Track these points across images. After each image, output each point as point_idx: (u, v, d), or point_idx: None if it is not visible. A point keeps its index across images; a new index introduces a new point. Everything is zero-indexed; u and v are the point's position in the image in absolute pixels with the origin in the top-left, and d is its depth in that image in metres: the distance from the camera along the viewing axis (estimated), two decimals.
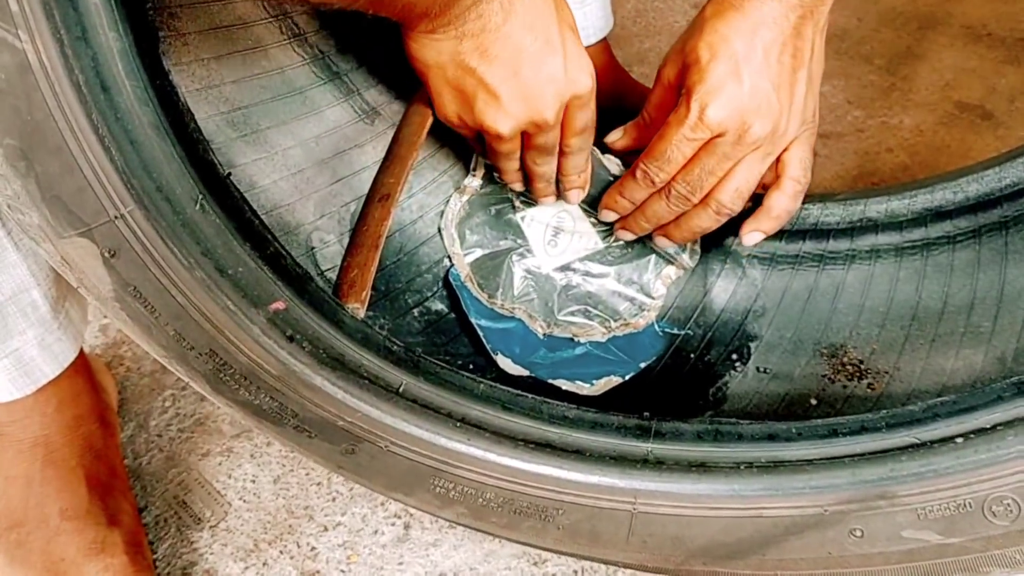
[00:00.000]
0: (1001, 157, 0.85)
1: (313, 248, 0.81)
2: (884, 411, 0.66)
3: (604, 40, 1.16)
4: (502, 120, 0.73)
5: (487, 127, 0.73)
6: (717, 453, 0.67)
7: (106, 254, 0.59)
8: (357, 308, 0.70)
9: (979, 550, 0.62)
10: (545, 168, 0.81)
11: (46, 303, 0.78)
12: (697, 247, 0.88)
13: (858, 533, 0.63)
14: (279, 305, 0.64)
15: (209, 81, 0.74)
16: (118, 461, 0.94)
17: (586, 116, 0.77)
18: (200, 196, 0.61)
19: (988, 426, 0.61)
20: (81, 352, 0.88)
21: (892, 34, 1.51)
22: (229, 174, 0.65)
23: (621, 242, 0.88)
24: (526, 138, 0.77)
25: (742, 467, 0.66)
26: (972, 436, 0.61)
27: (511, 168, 0.82)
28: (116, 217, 0.58)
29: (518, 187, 0.86)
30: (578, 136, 0.78)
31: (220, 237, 0.62)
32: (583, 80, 0.73)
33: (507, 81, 0.70)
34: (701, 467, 0.67)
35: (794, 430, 0.68)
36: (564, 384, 0.83)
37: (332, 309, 0.68)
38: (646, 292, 0.88)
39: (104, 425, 0.93)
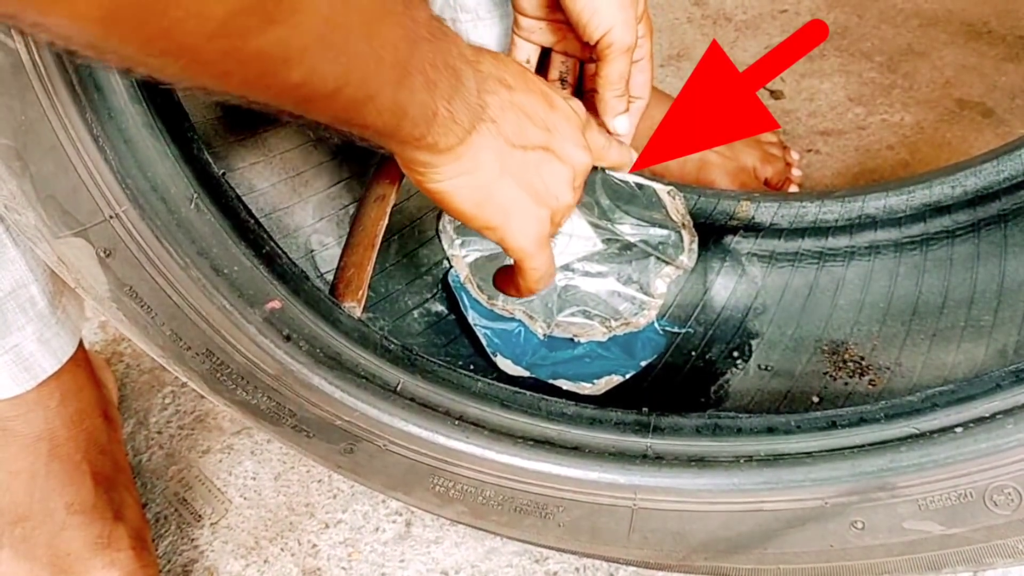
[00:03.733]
0: (998, 150, 0.85)
1: (312, 251, 0.81)
2: (883, 402, 0.66)
3: None
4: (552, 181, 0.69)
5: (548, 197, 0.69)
6: (716, 447, 0.67)
7: (102, 254, 0.59)
8: (354, 307, 0.70)
9: (981, 540, 0.62)
10: None
11: (44, 298, 0.78)
12: (695, 246, 0.88)
13: (859, 525, 0.63)
14: (275, 304, 0.64)
15: None
16: (122, 456, 0.94)
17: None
18: (195, 195, 0.61)
19: (987, 415, 0.61)
20: (82, 347, 0.88)
21: (892, 31, 1.51)
22: (224, 173, 0.65)
23: (620, 243, 0.88)
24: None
25: (742, 461, 0.66)
26: (972, 425, 0.61)
27: None
28: (111, 217, 0.58)
29: None
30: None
31: (215, 236, 0.62)
32: (580, 152, 0.71)
33: (547, 144, 0.67)
34: (701, 461, 0.67)
35: (793, 423, 0.67)
36: (565, 384, 0.83)
37: (329, 308, 0.68)
38: (646, 291, 0.88)
39: (107, 420, 0.93)
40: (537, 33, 0.84)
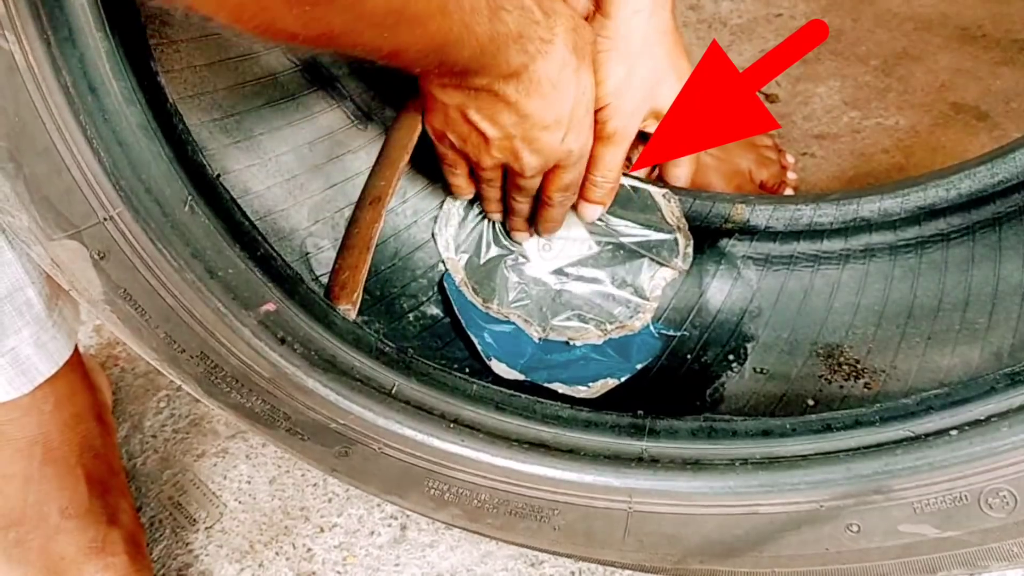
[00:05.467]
0: (993, 153, 0.85)
1: (307, 254, 0.81)
2: (878, 405, 0.66)
3: None
4: (486, 159, 0.76)
5: (470, 155, 0.77)
6: (712, 450, 0.67)
7: (96, 256, 0.59)
8: (349, 310, 0.70)
9: (976, 543, 0.62)
10: (521, 206, 0.84)
11: (40, 301, 0.78)
12: (690, 249, 0.88)
13: (854, 528, 0.63)
14: (270, 307, 0.64)
15: (201, 88, 0.74)
16: (116, 460, 0.94)
17: (569, 177, 0.79)
18: (189, 197, 0.61)
19: (982, 418, 0.61)
20: (76, 351, 0.88)
21: (887, 35, 1.52)
22: (218, 175, 0.65)
23: (615, 246, 0.88)
24: (509, 174, 0.79)
25: (737, 464, 0.66)
26: (966, 428, 0.61)
27: (491, 197, 0.84)
28: (105, 219, 0.58)
29: (497, 217, 0.88)
30: (559, 192, 0.81)
31: (210, 238, 0.62)
32: (575, 149, 0.77)
33: (502, 139, 0.74)
34: (696, 465, 0.67)
35: (788, 426, 0.67)
36: (560, 387, 0.83)
37: (323, 311, 0.68)
38: (640, 294, 0.88)
39: (102, 424, 0.93)
40: None
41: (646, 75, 0.79)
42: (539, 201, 0.83)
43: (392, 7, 0.54)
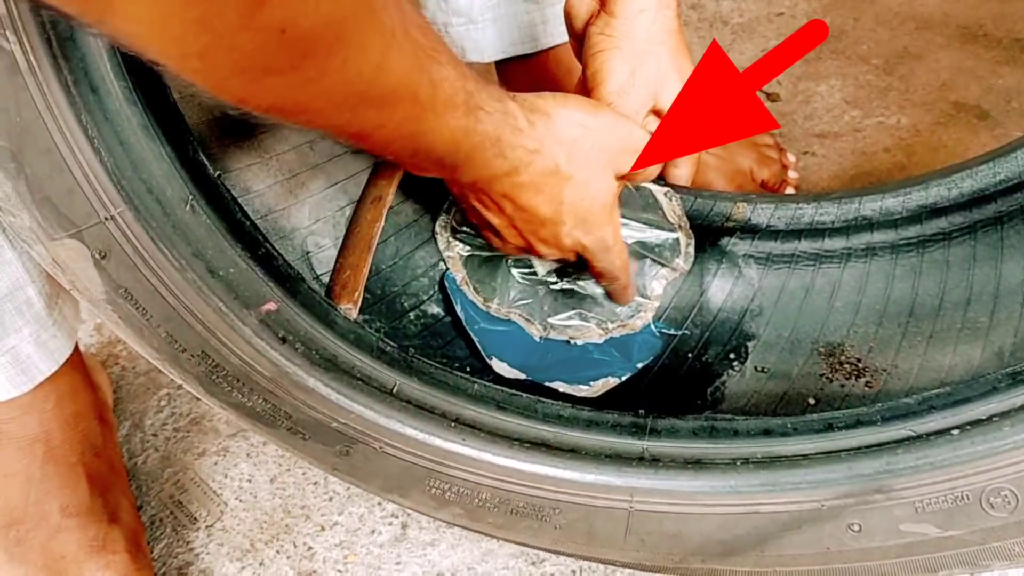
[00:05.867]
0: (994, 152, 0.85)
1: (308, 252, 0.81)
2: (879, 404, 0.66)
3: (518, 60, 1.16)
4: (502, 236, 0.77)
5: (489, 230, 0.78)
6: (713, 449, 0.67)
7: (97, 256, 0.59)
8: (350, 309, 0.70)
9: (978, 543, 0.62)
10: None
11: (41, 300, 0.78)
12: (691, 248, 0.88)
13: (856, 527, 0.63)
14: (271, 306, 0.64)
15: None
16: (117, 458, 0.94)
17: (601, 266, 0.80)
18: (190, 197, 0.61)
19: (984, 417, 0.61)
20: (77, 350, 0.88)
21: (889, 34, 1.51)
22: (219, 174, 0.65)
23: None
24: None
25: (738, 463, 0.66)
26: (968, 428, 0.61)
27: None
28: (106, 218, 0.58)
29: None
30: (604, 280, 0.82)
31: (211, 238, 0.62)
32: (586, 242, 0.77)
33: (507, 228, 0.75)
34: (697, 464, 0.67)
35: (790, 425, 0.67)
36: (561, 386, 0.83)
37: (324, 310, 0.68)
38: (642, 293, 0.88)
39: (103, 422, 0.93)
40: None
41: (650, 75, 0.79)
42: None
43: (353, 89, 0.52)
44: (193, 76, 0.45)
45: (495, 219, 0.74)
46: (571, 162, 0.71)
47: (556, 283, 0.88)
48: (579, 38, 0.81)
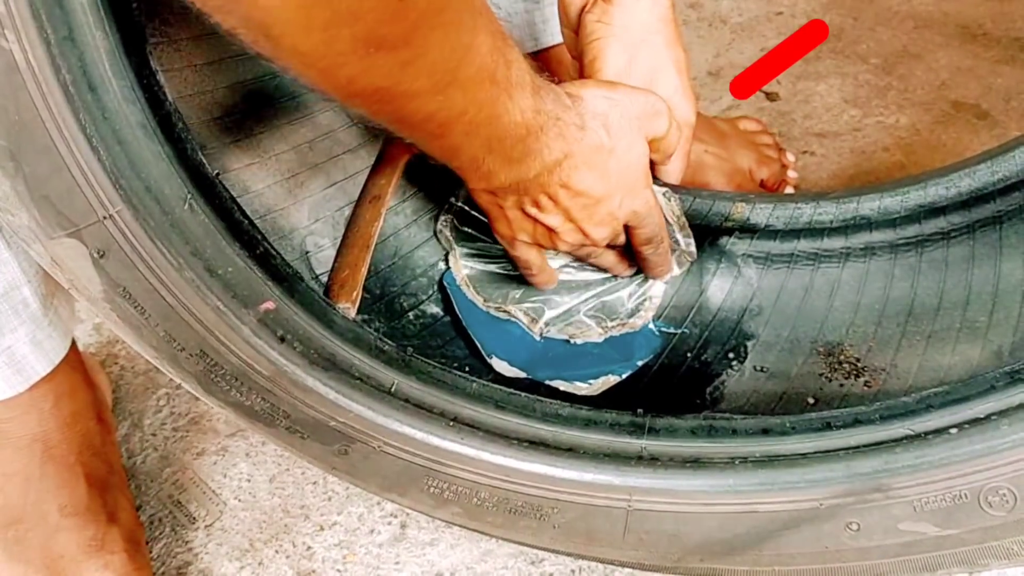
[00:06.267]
0: (993, 151, 0.85)
1: (307, 252, 0.81)
2: (878, 403, 0.66)
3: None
4: (561, 245, 0.78)
5: (545, 244, 0.79)
6: (711, 448, 0.67)
7: (95, 255, 0.59)
8: (348, 308, 0.70)
9: (976, 542, 0.62)
10: (610, 261, 0.85)
11: (36, 300, 0.78)
12: (692, 248, 0.88)
13: (854, 527, 0.63)
14: (269, 305, 0.64)
15: (202, 86, 0.74)
16: (116, 458, 0.94)
17: (646, 232, 0.80)
18: (189, 196, 0.61)
19: (982, 416, 0.61)
20: (75, 349, 0.88)
21: (888, 33, 1.52)
22: (218, 173, 0.65)
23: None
24: (588, 246, 0.81)
25: (737, 462, 0.66)
26: (966, 426, 0.61)
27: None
28: (105, 217, 0.58)
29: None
30: (646, 246, 0.82)
31: (209, 237, 0.62)
32: (639, 208, 0.78)
33: (564, 223, 0.75)
34: (696, 463, 0.67)
35: (788, 424, 0.68)
36: (561, 385, 0.83)
37: (323, 309, 0.68)
38: (641, 292, 0.88)
39: (101, 422, 0.93)
40: None
41: (646, 64, 0.79)
42: (637, 255, 0.83)
43: (448, 67, 0.55)
44: (308, 58, 0.49)
45: (552, 218, 0.74)
46: (610, 133, 0.72)
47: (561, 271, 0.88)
48: (574, 27, 0.81)
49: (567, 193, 0.72)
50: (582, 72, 0.80)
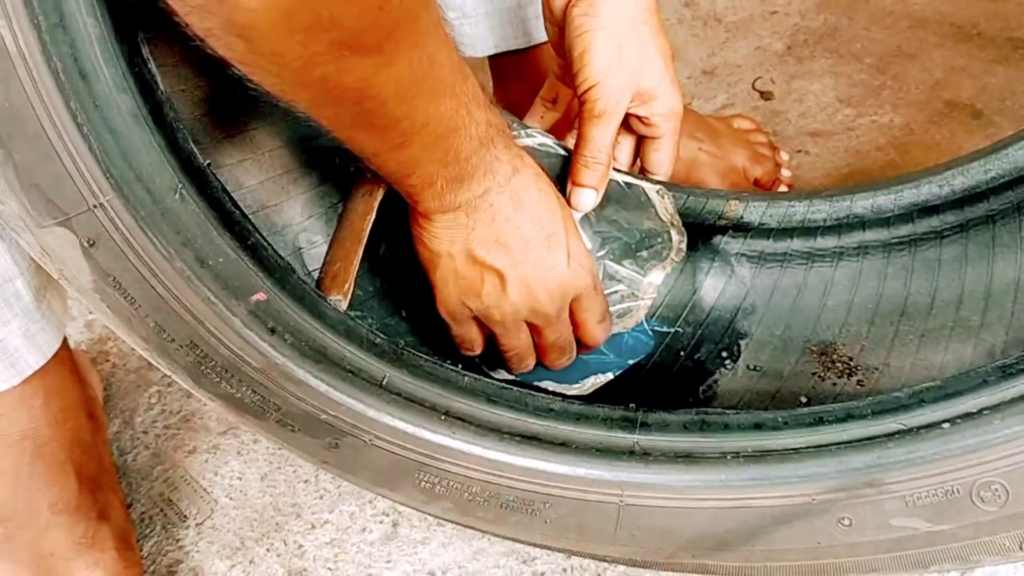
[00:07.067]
0: (986, 150, 0.85)
1: (300, 248, 0.81)
2: (870, 398, 0.66)
3: (510, 54, 1.16)
4: (506, 305, 0.74)
5: (492, 314, 0.75)
6: (703, 443, 0.67)
7: (85, 244, 0.59)
8: (340, 300, 0.69)
9: (968, 537, 0.62)
10: (562, 360, 0.82)
11: (29, 293, 0.78)
12: (684, 246, 0.88)
13: (846, 522, 0.63)
14: (260, 296, 0.64)
15: (195, 81, 0.73)
16: (107, 455, 0.94)
17: (597, 310, 0.79)
18: (179, 185, 0.61)
19: (974, 411, 0.61)
20: (67, 346, 0.88)
21: (882, 33, 1.52)
22: (209, 163, 0.65)
23: (607, 243, 0.88)
24: (536, 336, 0.78)
25: (729, 457, 0.66)
26: (958, 421, 0.61)
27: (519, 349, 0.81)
28: (95, 206, 0.58)
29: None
30: (597, 327, 0.80)
31: (200, 227, 0.62)
32: (583, 278, 0.76)
33: (516, 268, 0.72)
34: (688, 458, 0.67)
35: (780, 419, 0.67)
36: (551, 385, 0.83)
37: (314, 301, 0.67)
38: (633, 291, 0.88)
39: (92, 419, 0.93)
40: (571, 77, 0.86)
41: (633, 54, 0.78)
42: (585, 348, 0.82)
43: (415, 75, 0.57)
44: (285, 59, 0.50)
45: (501, 261, 0.72)
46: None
47: None
48: (559, 23, 0.81)
49: (511, 233, 0.71)
50: (569, 68, 0.80)
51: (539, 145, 0.82)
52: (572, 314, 0.78)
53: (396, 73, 0.55)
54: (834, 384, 0.81)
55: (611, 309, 0.87)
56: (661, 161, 0.86)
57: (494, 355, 0.80)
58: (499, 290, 0.73)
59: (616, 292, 0.88)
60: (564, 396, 0.81)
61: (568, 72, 0.85)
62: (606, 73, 0.78)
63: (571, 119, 0.90)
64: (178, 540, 0.92)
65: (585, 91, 0.78)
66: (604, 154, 0.79)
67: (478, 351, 0.79)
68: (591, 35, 0.77)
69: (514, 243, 0.71)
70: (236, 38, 0.49)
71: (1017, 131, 0.85)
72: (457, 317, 0.76)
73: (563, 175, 0.81)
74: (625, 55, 0.78)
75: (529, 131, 0.82)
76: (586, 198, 0.80)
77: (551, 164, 0.82)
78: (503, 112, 0.85)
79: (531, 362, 0.80)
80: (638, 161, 0.89)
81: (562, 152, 0.82)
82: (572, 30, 0.78)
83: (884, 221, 0.87)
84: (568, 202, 0.80)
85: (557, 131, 0.91)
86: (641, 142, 0.87)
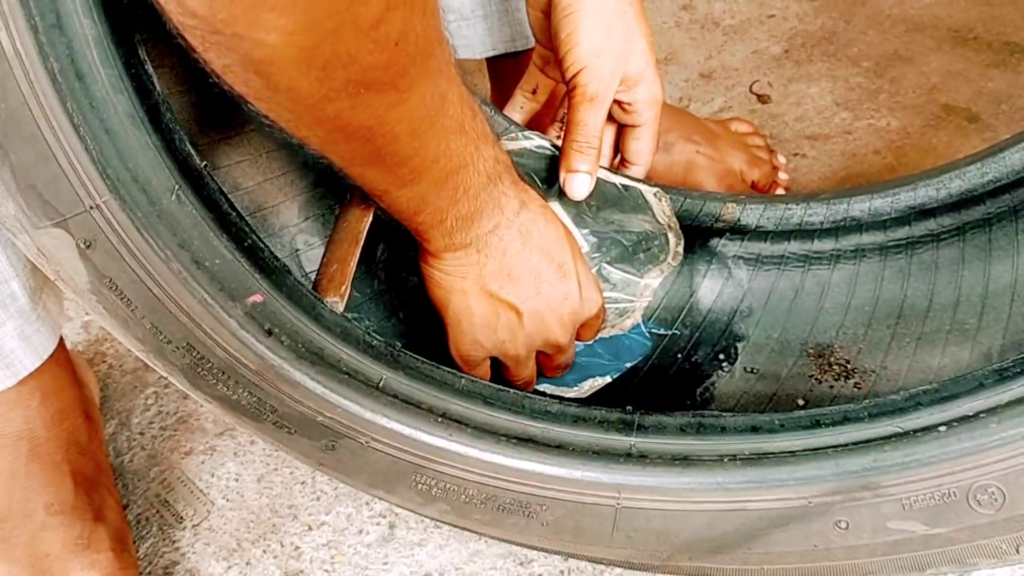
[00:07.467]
0: (983, 153, 0.85)
1: (298, 250, 0.80)
2: (866, 401, 0.66)
3: (509, 56, 1.15)
4: (521, 340, 0.75)
5: (507, 348, 0.75)
6: (700, 446, 0.67)
7: (81, 245, 0.59)
8: (336, 302, 0.69)
9: (965, 540, 0.62)
10: (559, 372, 0.84)
11: (25, 294, 0.78)
12: (680, 249, 0.88)
13: (843, 525, 0.63)
14: (257, 298, 0.64)
15: (192, 83, 0.73)
16: (103, 456, 0.94)
17: (598, 326, 0.82)
18: (176, 186, 0.61)
19: (971, 414, 0.61)
20: (63, 347, 0.87)
21: (879, 37, 1.52)
22: (206, 164, 0.64)
23: (603, 244, 0.88)
24: (544, 360, 0.80)
25: (725, 460, 0.66)
26: (955, 424, 0.61)
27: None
28: (91, 207, 0.58)
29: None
30: (594, 335, 0.84)
31: (197, 228, 0.61)
32: (594, 303, 0.78)
33: (529, 301, 0.73)
34: (684, 460, 0.66)
35: (777, 422, 0.67)
36: (549, 388, 0.83)
37: (311, 303, 0.67)
38: (630, 293, 0.88)
39: (88, 420, 0.92)
40: (552, 67, 0.86)
41: (620, 36, 0.78)
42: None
43: (427, 113, 0.58)
44: (301, 95, 0.51)
45: (515, 294, 0.72)
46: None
47: None
48: (544, 7, 0.80)
49: (524, 266, 0.72)
50: (557, 53, 0.79)
51: (536, 147, 0.82)
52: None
53: (409, 110, 0.56)
54: (831, 387, 0.81)
55: (607, 311, 0.87)
56: (641, 150, 0.86)
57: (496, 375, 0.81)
58: (515, 324, 0.74)
59: (613, 295, 0.88)
60: (562, 399, 0.81)
61: (549, 61, 0.85)
62: (596, 55, 0.77)
63: (554, 108, 0.90)
64: (174, 541, 0.92)
65: (574, 74, 0.78)
66: (597, 138, 0.79)
67: (487, 380, 0.79)
68: (578, 16, 0.77)
69: (525, 276, 0.72)
70: (254, 75, 0.49)
71: (1013, 135, 0.85)
72: (470, 360, 0.77)
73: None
74: (612, 37, 0.78)
75: (526, 133, 0.82)
76: (580, 183, 0.80)
77: (548, 165, 0.82)
78: (500, 114, 0.85)
79: (534, 383, 0.82)
80: (618, 156, 0.89)
81: (559, 153, 0.82)
82: (558, 12, 0.78)
83: (881, 224, 0.87)
84: (562, 190, 0.80)
85: (537, 121, 0.91)
86: (621, 131, 0.87)
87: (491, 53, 1.12)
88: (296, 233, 0.81)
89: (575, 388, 0.84)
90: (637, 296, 0.87)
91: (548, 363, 0.80)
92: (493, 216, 0.69)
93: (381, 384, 0.67)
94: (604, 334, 0.87)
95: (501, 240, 0.70)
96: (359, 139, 0.57)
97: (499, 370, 0.80)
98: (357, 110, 0.53)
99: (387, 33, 0.49)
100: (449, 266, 0.71)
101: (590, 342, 0.87)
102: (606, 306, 0.87)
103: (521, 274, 0.72)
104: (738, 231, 0.89)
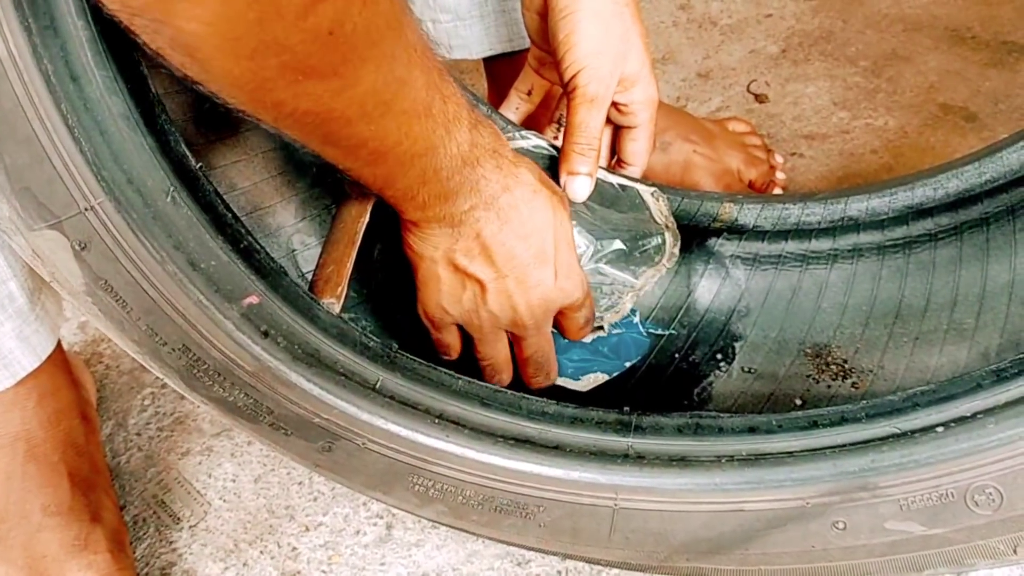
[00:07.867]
0: (980, 153, 0.85)
1: (294, 250, 0.80)
2: (864, 402, 0.66)
3: (506, 56, 1.15)
4: (485, 315, 0.74)
5: (471, 319, 0.75)
6: (698, 447, 0.67)
7: (76, 247, 0.59)
8: (332, 303, 0.69)
9: (963, 541, 0.62)
10: (539, 378, 0.82)
11: (23, 295, 0.78)
12: (677, 248, 0.88)
13: (840, 525, 0.63)
14: (253, 299, 0.64)
15: (188, 83, 0.73)
16: (100, 457, 0.94)
17: (583, 316, 0.80)
18: (171, 187, 0.61)
19: (968, 414, 0.61)
20: (60, 348, 0.87)
21: (877, 36, 1.52)
22: (201, 165, 0.64)
23: (601, 244, 0.88)
24: (516, 346, 0.79)
25: (723, 460, 0.66)
26: (953, 425, 0.61)
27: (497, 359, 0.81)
28: (86, 209, 0.58)
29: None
30: (581, 331, 0.81)
31: (192, 230, 0.61)
32: (574, 291, 0.76)
33: (497, 280, 0.72)
34: (682, 461, 0.66)
35: (775, 422, 0.67)
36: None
37: (307, 304, 0.67)
38: (627, 292, 0.88)
39: (85, 421, 0.92)
40: (547, 68, 0.85)
41: (617, 36, 0.78)
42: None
43: (380, 99, 0.56)
44: (238, 81, 0.50)
45: (483, 271, 0.72)
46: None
47: None
48: (540, 9, 0.80)
49: (498, 247, 0.71)
50: (555, 54, 0.79)
51: (534, 147, 0.82)
52: (557, 320, 0.79)
53: (359, 96, 0.55)
54: (829, 386, 0.81)
55: (603, 311, 0.87)
56: (637, 151, 0.86)
57: (471, 365, 0.80)
58: (479, 298, 0.73)
59: (609, 295, 0.88)
60: (561, 393, 0.81)
61: (544, 62, 0.85)
62: (595, 55, 0.77)
63: (550, 109, 0.90)
64: (171, 542, 0.91)
65: (573, 75, 0.78)
66: (597, 140, 0.79)
67: (454, 356, 0.79)
68: (576, 17, 0.76)
69: (499, 257, 0.71)
70: (187, 58, 0.49)
71: (1011, 134, 0.85)
72: (437, 321, 0.76)
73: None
74: (610, 38, 0.78)
75: (524, 134, 0.82)
76: (581, 185, 0.79)
77: (546, 165, 0.82)
78: (496, 114, 0.85)
79: (506, 377, 0.80)
80: (614, 157, 0.89)
81: (556, 153, 0.82)
82: (556, 13, 0.77)
83: (878, 224, 0.87)
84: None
85: (533, 122, 0.91)
86: (617, 132, 0.87)
87: (488, 53, 1.12)
88: (293, 233, 0.80)
89: (576, 381, 0.84)
90: (634, 290, 0.87)
91: (519, 354, 0.79)
92: (470, 197, 0.68)
93: (378, 385, 0.67)
94: (604, 335, 0.87)
95: (477, 220, 0.69)
96: (307, 124, 0.57)
97: (470, 349, 0.79)
98: (299, 97, 0.53)
99: (317, 23, 0.48)
100: (424, 233, 0.71)
101: (589, 342, 0.87)
102: (602, 304, 0.87)
103: (494, 253, 0.71)
104: (735, 231, 0.89)
